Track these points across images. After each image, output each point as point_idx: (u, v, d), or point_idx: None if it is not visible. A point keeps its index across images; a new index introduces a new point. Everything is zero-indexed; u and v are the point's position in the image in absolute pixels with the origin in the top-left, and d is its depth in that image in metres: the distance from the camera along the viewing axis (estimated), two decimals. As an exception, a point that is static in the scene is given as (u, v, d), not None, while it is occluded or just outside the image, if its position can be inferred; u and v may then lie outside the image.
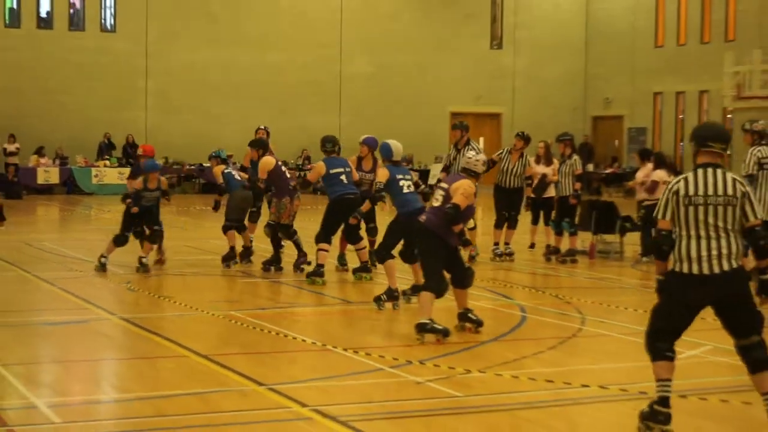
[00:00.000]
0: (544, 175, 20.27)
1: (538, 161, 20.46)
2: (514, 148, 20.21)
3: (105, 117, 40.53)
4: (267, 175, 17.05)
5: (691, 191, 8.40)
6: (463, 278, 12.69)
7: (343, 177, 16.50)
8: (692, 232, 8.42)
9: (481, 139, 38.24)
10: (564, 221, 20.20)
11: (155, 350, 11.88)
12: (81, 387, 10.17)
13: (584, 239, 21.04)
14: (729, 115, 42.03)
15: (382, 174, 14.66)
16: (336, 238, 17.37)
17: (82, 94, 40.80)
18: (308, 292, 15.11)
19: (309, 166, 18.28)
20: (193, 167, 40.35)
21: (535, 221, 20.71)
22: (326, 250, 16.48)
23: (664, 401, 8.42)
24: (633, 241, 20.84)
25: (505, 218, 20.11)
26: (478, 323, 12.75)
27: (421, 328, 12.13)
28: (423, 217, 12.61)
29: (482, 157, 12.90)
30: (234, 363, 11.04)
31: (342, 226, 16.86)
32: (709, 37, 43.09)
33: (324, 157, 16.83)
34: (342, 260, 18.06)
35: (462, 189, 12.21)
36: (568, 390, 10.18)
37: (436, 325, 12.10)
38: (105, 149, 40.11)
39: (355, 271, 17.11)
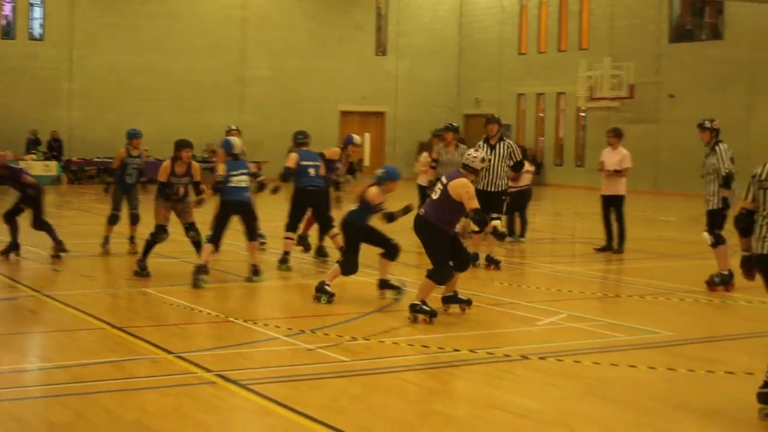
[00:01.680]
0: None
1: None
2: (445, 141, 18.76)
3: (32, 115, 39.99)
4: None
5: (764, 175, 8.28)
6: (464, 265, 12.53)
7: (311, 170, 16.01)
8: (765, 212, 8.26)
9: (367, 135, 38.31)
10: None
11: (75, 323, 11.71)
12: (9, 357, 9.98)
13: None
14: (582, 114, 42.52)
15: (222, 168, 14.69)
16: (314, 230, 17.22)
17: (12, 96, 40.25)
18: (214, 270, 14.96)
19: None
20: (110, 160, 39.80)
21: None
22: (291, 239, 16.11)
23: None
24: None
25: None
26: (467, 302, 12.57)
27: (413, 309, 11.94)
28: (422, 210, 12.31)
29: (480, 154, 12.39)
30: (146, 334, 10.94)
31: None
32: (565, 45, 43.51)
33: (295, 149, 16.39)
34: (321, 252, 17.23)
35: (465, 190, 11.81)
36: (442, 354, 10.22)
37: (425, 307, 11.91)
38: (32, 144, 39.58)
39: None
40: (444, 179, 12.22)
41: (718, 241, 14.80)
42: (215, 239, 14.61)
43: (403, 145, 45.67)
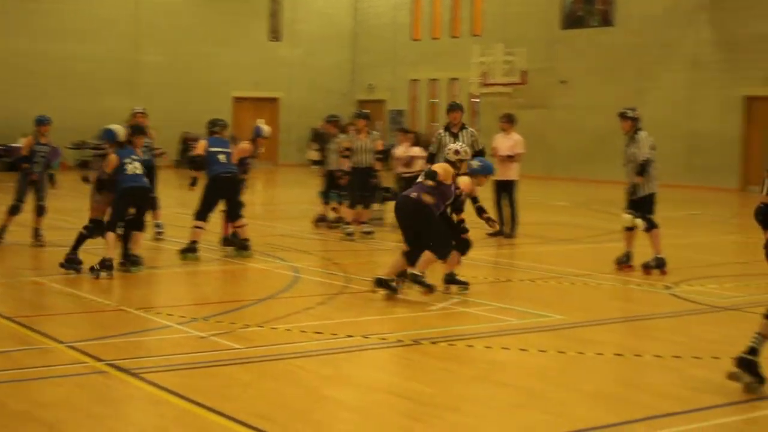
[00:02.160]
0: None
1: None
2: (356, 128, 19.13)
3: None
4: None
5: None
6: (463, 246, 12.87)
7: (221, 156, 15.70)
8: None
9: (262, 121, 38.09)
10: (332, 192, 20.26)
11: (-36, 313, 11.55)
12: None
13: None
14: (476, 100, 42.78)
15: (113, 159, 14.12)
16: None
17: None
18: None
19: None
20: (2, 147, 39.13)
21: None
22: (201, 227, 15.67)
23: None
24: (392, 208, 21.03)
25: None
26: (465, 284, 12.91)
27: (414, 279, 12.44)
28: (414, 194, 12.58)
29: (454, 146, 12.88)
30: (37, 324, 10.81)
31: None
32: (458, 31, 43.73)
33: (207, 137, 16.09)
34: (227, 241, 16.77)
35: (442, 167, 12.57)
36: (335, 340, 10.25)
37: (425, 280, 12.39)
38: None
39: (237, 248, 16.03)
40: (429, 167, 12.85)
41: (651, 226, 15.10)
42: (113, 228, 14.12)
43: (296, 130, 45.55)
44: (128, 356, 9.37)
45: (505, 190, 19.17)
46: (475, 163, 13.38)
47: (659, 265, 14.98)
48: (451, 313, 11.89)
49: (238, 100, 44.70)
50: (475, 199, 13.41)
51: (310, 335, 10.40)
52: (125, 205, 14.17)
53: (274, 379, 8.80)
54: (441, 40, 44.44)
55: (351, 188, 18.87)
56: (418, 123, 43.88)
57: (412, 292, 12.99)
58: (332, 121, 20.59)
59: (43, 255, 16.10)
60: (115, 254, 13.91)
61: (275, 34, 46.33)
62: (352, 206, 18.93)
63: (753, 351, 8.46)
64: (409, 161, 19.72)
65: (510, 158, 19.14)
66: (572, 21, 39.36)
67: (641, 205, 15.14)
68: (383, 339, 10.28)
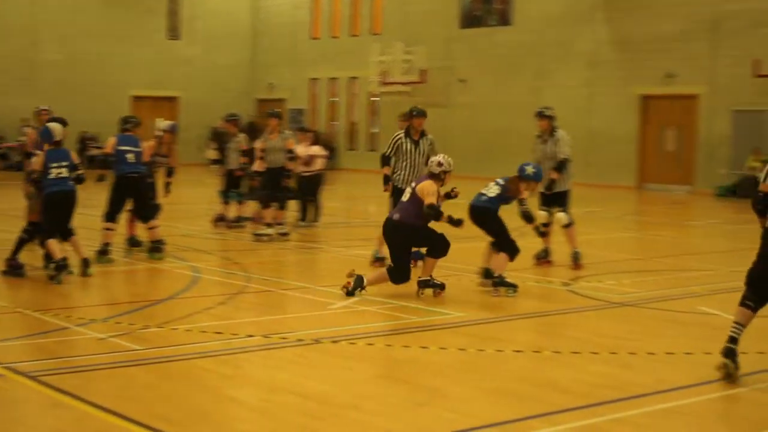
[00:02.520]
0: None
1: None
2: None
3: None
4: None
5: None
6: (445, 249, 13.09)
7: (129, 155, 15.30)
8: None
9: (161, 119, 37.81)
10: (231, 191, 20.18)
11: None
12: None
13: (250, 207, 21.09)
14: (375, 99, 42.89)
15: (38, 161, 13.78)
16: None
17: None
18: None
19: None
20: None
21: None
22: (111, 229, 15.33)
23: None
24: (294, 207, 21.01)
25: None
26: (441, 287, 12.92)
27: (424, 284, 12.82)
28: (396, 216, 12.93)
29: (436, 158, 13.31)
30: (-70, 327, 10.63)
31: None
32: (358, 30, 43.80)
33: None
34: (133, 241, 16.54)
35: (427, 191, 12.80)
36: (235, 340, 10.21)
37: (435, 281, 12.83)
38: None
39: (149, 250, 15.71)
40: (414, 183, 13.19)
41: (569, 222, 15.43)
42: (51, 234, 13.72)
43: (195, 129, 45.22)
44: (26, 359, 9.24)
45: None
46: (530, 170, 13.64)
47: (576, 259, 15.36)
48: (351, 312, 11.89)
49: (137, 99, 44.25)
50: (522, 201, 13.64)
51: (211, 335, 10.34)
52: (54, 212, 13.78)
53: (174, 380, 8.73)
54: (340, 38, 44.48)
55: (263, 189, 18.60)
56: (318, 122, 43.86)
57: (312, 291, 12.99)
58: (231, 120, 20.49)
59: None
60: (60, 255, 13.52)
61: (174, 33, 46.00)
62: (264, 207, 18.60)
63: (733, 340, 8.77)
64: (308, 160, 19.72)
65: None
66: (470, 20, 39.63)
67: (556, 201, 15.48)
68: (284, 338, 10.26)
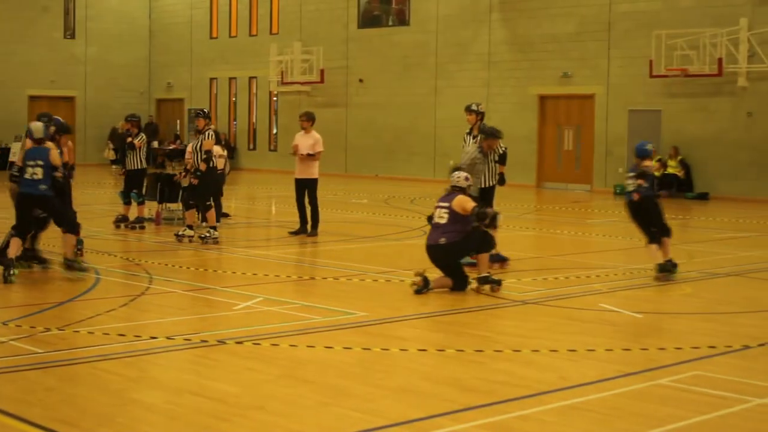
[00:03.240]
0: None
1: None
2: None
3: None
4: None
5: None
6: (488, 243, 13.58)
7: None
8: None
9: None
10: (132, 192, 20.02)
11: None
12: None
13: (151, 208, 20.95)
14: (275, 98, 42.80)
15: (20, 157, 13.75)
16: None
17: None
18: None
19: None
20: None
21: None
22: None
23: None
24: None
25: None
26: (498, 283, 13.31)
27: (484, 281, 13.26)
28: (443, 240, 13.31)
29: (462, 174, 13.71)
30: None
31: None
32: (257, 30, 43.64)
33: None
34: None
35: (463, 202, 13.36)
36: (139, 342, 10.12)
37: (492, 277, 13.32)
38: None
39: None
40: (444, 203, 13.48)
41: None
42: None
43: (92, 129, 44.81)
44: (-77, 364, 9.08)
45: (306, 188, 19.20)
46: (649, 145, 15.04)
47: (500, 259, 15.56)
48: (255, 312, 11.86)
49: (33, 98, 43.59)
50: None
51: (114, 337, 10.23)
52: (24, 211, 13.77)
53: (77, 383, 8.63)
54: (239, 38, 44.29)
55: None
56: (219, 121, 43.62)
57: (215, 292, 12.93)
58: (132, 120, 20.33)
59: None
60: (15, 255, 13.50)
61: (70, 32, 45.48)
62: (188, 209, 18.49)
63: None
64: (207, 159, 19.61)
65: (311, 156, 19.18)
66: (368, 20, 39.71)
67: (488, 196, 15.56)
68: (187, 339, 10.19)
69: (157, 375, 9.09)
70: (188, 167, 18.70)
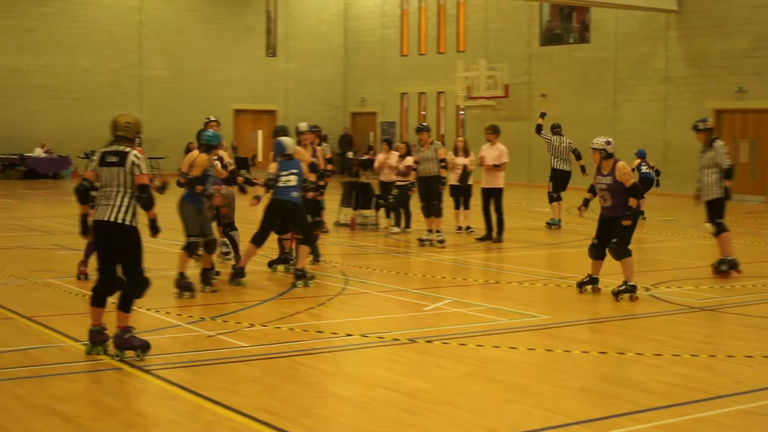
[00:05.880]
0: (464, 166, 20.29)
1: (456, 153, 20.39)
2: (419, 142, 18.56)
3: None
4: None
5: None
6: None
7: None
8: None
9: (260, 132, 38.30)
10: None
11: (-16, 314, 11.50)
12: None
13: (346, 214, 21.20)
14: (462, 112, 42.82)
15: (272, 167, 13.76)
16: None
17: None
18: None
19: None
20: (15, 156, 38.95)
21: (457, 206, 20.66)
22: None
23: None
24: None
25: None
26: (633, 289, 12.98)
27: (624, 290, 12.86)
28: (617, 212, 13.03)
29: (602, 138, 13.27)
30: (53, 323, 10.79)
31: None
32: (444, 48, 43.73)
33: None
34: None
35: (626, 170, 13.02)
36: (335, 339, 10.25)
37: (631, 284, 12.86)
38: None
39: None
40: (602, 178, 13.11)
41: (720, 230, 15.29)
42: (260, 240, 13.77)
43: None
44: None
45: (492, 197, 19.17)
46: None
47: (732, 266, 15.27)
48: (444, 314, 11.88)
49: (239, 112, 44.63)
50: None
51: (312, 334, 10.36)
52: (274, 217, 14.08)
53: (278, 375, 8.78)
54: (427, 55, 44.43)
55: (423, 199, 18.52)
56: (409, 134, 43.87)
57: (406, 293, 12.96)
58: (314, 130, 20.47)
59: (53, 258, 16.08)
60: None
61: (271, 50, 46.32)
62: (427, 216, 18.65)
63: None
64: (405, 171, 19.74)
65: (496, 167, 19.15)
66: (550, 38, 39.39)
67: (712, 209, 15.53)
68: (380, 338, 10.26)
69: (352, 370, 9.19)
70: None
